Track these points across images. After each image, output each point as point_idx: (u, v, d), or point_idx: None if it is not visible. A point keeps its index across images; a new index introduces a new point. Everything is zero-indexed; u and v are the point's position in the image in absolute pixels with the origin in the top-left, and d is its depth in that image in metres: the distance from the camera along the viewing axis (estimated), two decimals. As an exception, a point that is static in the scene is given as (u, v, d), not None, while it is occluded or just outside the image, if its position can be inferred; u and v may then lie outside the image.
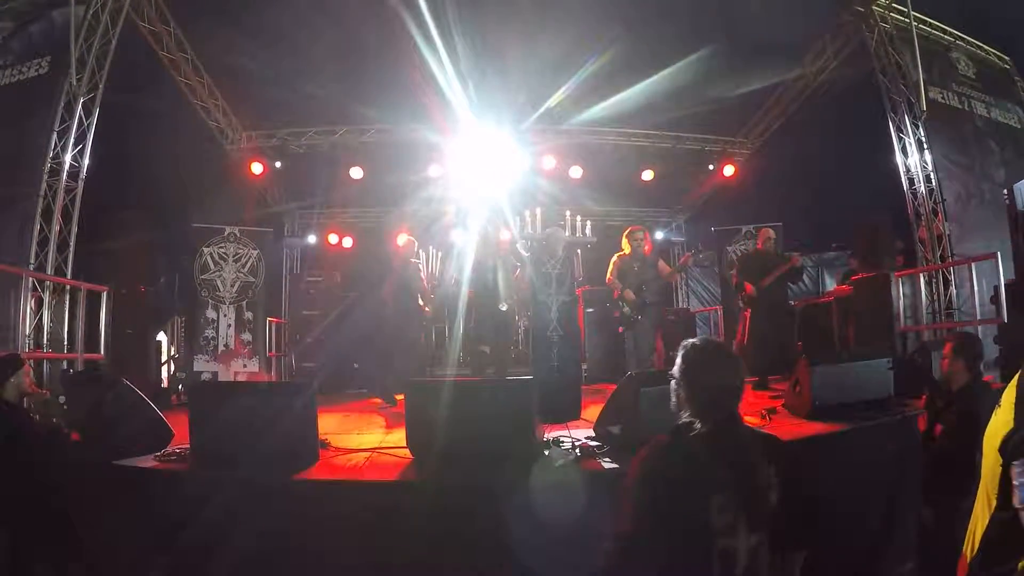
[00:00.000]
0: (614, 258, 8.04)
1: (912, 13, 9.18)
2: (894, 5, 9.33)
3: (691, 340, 2.42)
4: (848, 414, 5.40)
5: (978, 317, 8.07)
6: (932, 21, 10.43)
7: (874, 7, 9.42)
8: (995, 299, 7.61)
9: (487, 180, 10.91)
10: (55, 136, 7.92)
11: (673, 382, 2.38)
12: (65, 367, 7.78)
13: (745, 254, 11.24)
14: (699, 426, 2.25)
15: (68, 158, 7.98)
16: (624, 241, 8.02)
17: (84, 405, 5.04)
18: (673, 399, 2.38)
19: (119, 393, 4.95)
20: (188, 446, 4.56)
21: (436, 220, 12.36)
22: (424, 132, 11.70)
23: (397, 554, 3.75)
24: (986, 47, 11.49)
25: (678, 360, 2.38)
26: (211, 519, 3.75)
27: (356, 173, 12.54)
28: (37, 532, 4.13)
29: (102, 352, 8.38)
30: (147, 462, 4.49)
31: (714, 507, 2.05)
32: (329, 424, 5.83)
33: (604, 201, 13.72)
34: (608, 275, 8.00)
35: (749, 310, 8.06)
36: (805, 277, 9.44)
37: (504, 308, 7.76)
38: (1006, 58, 11.82)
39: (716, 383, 2.29)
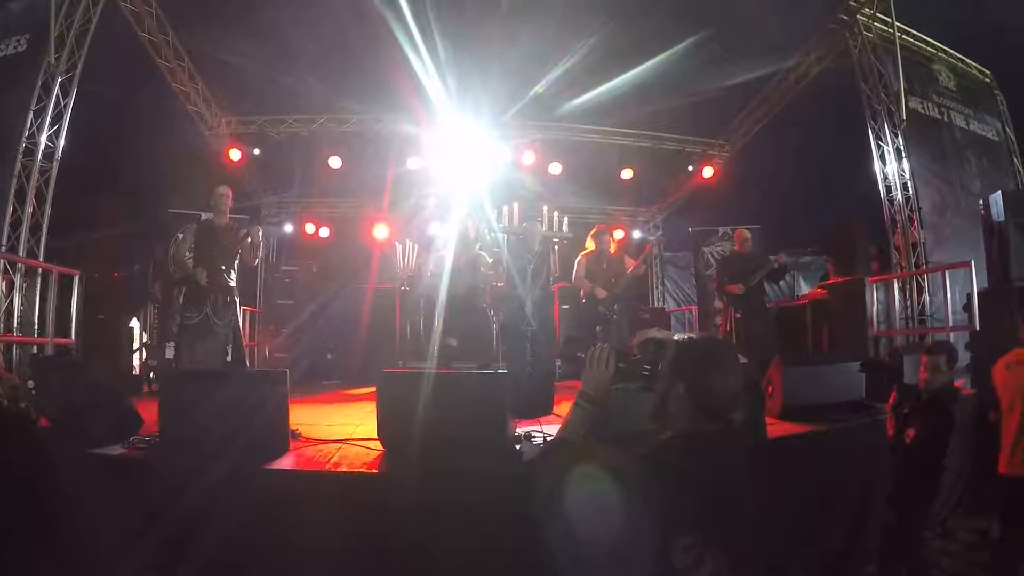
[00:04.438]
0: (579, 257, 7.99)
1: (896, 24, 9.26)
2: (878, 15, 9.38)
3: (687, 335, 2.10)
4: (819, 415, 5.45)
5: (950, 324, 8.17)
6: (915, 32, 10.52)
7: (859, 16, 9.46)
8: (968, 307, 7.71)
9: (467, 174, 10.87)
10: (31, 116, 7.78)
11: (661, 382, 2.04)
12: (35, 351, 7.68)
13: (725, 257, 11.28)
14: (685, 434, 1.94)
15: (44, 138, 7.85)
16: (590, 240, 7.99)
17: (53, 390, 4.99)
18: (655, 402, 2.04)
19: (89, 379, 4.91)
20: (157, 433, 4.53)
21: (415, 213, 12.33)
22: (404, 124, 11.64)
23: (366, 544, 3.74)
24: (967, 60, 11.63)
25: (671, 356, 2.02)
26: (180, 506, 3.71)
27: (335, 162, 12.44)
28: (5, 518, 4.07)
29: (73, 337, 8.26)
30: (115, 449, 4.45)
31: (680, 547, 1.74)
32: (300, 415, 5.80)
33: (583, 198, 13.79)
34: (575, 273, 7.94)
35: (732, 309, 8.11)
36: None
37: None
38: (986, 72, 11.96)
39: (721, 385, 1.95)
